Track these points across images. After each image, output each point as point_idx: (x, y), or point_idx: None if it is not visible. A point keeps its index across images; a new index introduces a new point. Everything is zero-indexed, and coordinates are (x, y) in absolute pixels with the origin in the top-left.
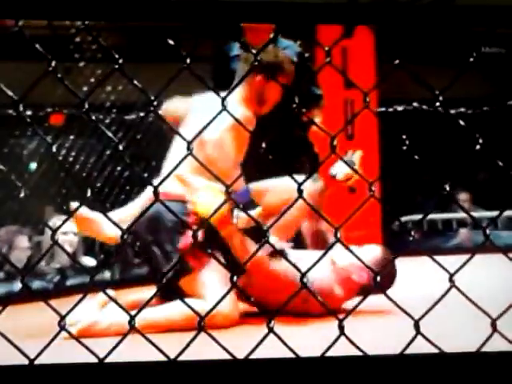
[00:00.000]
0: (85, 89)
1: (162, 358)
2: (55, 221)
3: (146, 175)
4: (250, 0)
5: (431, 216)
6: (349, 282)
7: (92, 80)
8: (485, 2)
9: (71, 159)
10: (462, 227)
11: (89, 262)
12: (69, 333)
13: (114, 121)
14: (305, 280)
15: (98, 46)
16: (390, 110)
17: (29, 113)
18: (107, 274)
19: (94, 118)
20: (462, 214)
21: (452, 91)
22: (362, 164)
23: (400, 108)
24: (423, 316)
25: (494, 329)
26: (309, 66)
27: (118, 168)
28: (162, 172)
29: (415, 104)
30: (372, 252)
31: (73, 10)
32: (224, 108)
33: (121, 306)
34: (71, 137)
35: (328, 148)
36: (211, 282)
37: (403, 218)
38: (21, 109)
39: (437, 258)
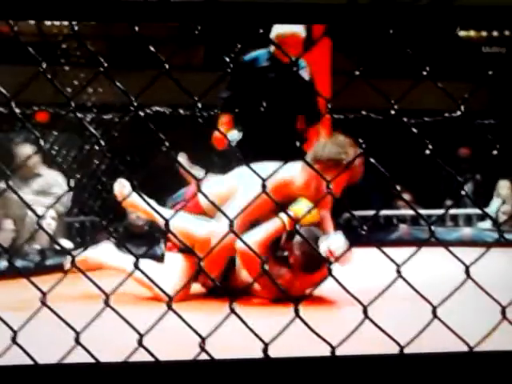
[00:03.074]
0: (69, 90)
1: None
2: (35, 207)
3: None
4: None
5: (374, 212)
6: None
7: (76, 82)
8: (484, 2)
9: (54, 152)
10: (402, 223)
11: (66, 244)
12: (50, 309)
13: (93, 120)
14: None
15: (82, 52)
16: (342, 117)
17: (17, 110)
18: None
19: (78, 116)
20: (402, 212)
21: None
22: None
23: (351, 116)
24: (371, 302)
25: (434, 315)
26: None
27: (96, 161)
28: None
29: (363, 112)
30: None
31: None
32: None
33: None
34: (55, 133)
35: None
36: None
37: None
38: (13, 106)
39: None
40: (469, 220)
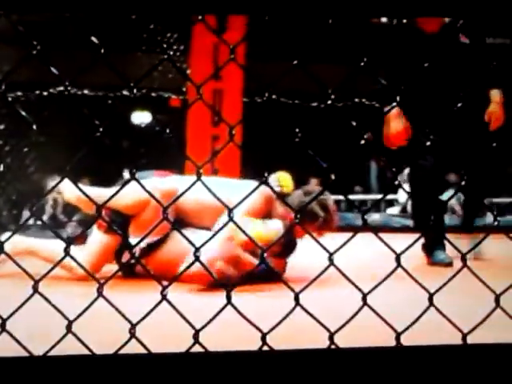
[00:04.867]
0: None
1: None
2: None
3: None
4: None
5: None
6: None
7: None
8: None
9: None
10: None
11: None
12: None
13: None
14: (198, 254)
15: None
16: (250, 100)
17: None
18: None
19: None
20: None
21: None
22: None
23: (259, 100)
24: (303, 289)
25: (365, 302)
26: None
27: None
28: None
29: (274, 96)
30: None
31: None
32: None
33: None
34: None
35: None
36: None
37: None
38: None
39: None
40: (377, 206)
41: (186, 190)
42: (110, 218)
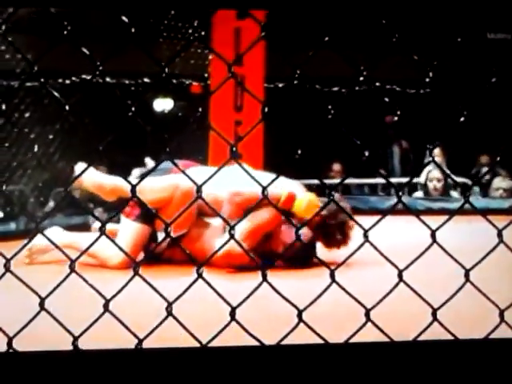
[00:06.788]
0: None
1: None
2: None
3: None
4: None
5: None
6: None
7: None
8: None
9: None
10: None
11: None
12: (14, 275)
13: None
14: (232, 232)
15: None
16: (272, 86)
17: None
18: (12, 225)
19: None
20: (333, 181)
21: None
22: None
23: (281, 85)
24: (338, 266)
25: (400, 279)
26: None
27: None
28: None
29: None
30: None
31: None
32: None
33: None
34: None
35: None
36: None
37: None
38: None
39: None
40: (401, 189)
41: (207, 179)
42: (139, 206)
